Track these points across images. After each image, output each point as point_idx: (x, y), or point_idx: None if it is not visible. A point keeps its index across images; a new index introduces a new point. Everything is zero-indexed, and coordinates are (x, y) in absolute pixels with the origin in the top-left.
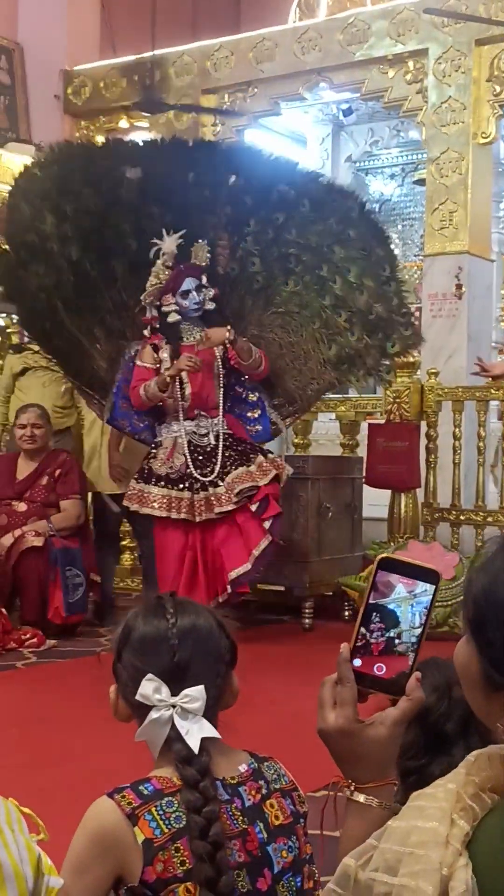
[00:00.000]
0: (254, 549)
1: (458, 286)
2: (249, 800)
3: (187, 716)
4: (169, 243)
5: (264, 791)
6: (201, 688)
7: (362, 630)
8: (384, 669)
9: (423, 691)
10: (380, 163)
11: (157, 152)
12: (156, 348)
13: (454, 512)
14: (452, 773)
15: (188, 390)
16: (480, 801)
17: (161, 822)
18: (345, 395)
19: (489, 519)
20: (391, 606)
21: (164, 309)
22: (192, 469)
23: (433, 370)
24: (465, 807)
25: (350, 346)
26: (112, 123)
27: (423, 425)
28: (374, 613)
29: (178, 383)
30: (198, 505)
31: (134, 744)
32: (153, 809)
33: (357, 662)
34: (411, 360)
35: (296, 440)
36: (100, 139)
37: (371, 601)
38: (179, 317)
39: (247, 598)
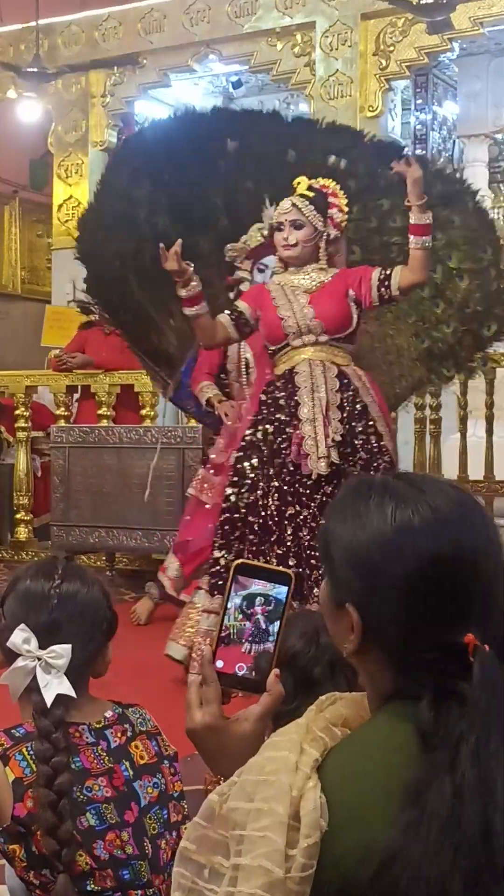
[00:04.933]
0: None
1: None
2: (115, 741)
3: (50, 670)
4: (270, 212)
5: (129, 734)
6: (68, 646)
7: (224, 624)
8: (245, 669)
9: (292, 639)
10: None
11: (255, 125)
12: None
13: None
14: (305, 712)
15: (253, 376)
16: (330, 733)
17: (31, 761)
18: None
19: None
20: (249, 602)
21: (238, 273)
22: None
23: None
24: (314, 737)
25: (444, 341)
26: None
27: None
28: (235, 609)
29: (244, 367)
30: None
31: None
32: (24, 750)
33: (220, 664)
34: None
35: None
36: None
37: (230, 598)
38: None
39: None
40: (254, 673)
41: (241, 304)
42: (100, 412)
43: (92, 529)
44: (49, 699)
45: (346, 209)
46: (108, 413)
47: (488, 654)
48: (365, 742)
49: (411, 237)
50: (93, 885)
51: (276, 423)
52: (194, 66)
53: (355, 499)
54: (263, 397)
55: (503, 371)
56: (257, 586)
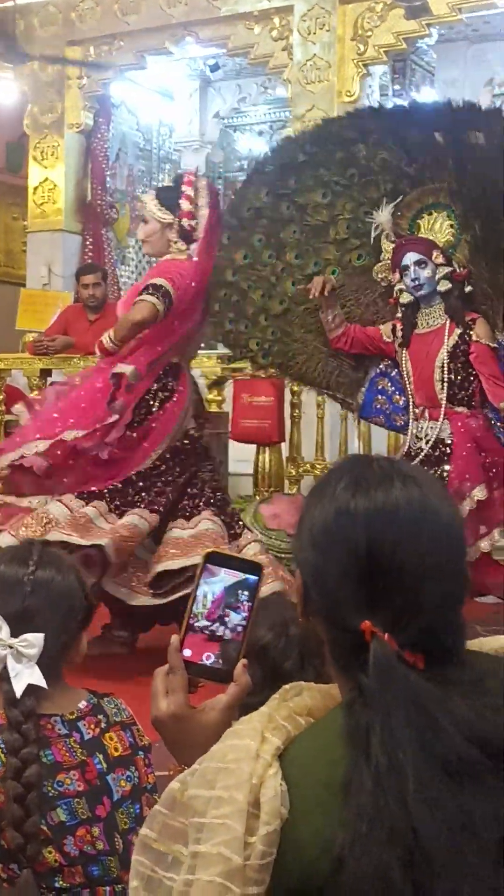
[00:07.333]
0: None
1: None
2: (89, 733)
3: (21, 659)
4: (383, 215)
5: (103, 725)
6: (41, 636)
7: (193, 612)
8: (212, 658)
9: (261, 630)
10: (248, 119)
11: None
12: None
13: (318, 466)
14: (268, 701)
15: (410, 383)
16: (294, 722)
17: (1, 754)
18: (211, 350)
19: None
20: (218, 590)
21: (396, 288)
22: None
23: None
24: (277, 726)
25: None
26: None
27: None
28: (204, 597)
29: (405, 372)
30: None
31: None
32: None
33: (187, 653)
34: None
35: None
36: None
37: (199, 586)
38: (411, 297)
39: None
40: (221, 662)
41: None
42: None
43: None
44: (19, 689)
45: None
46: None
47: (383, 642)
48: (328, 731)
49: None
50: (61, 882)
51: None
52: (171, 48)
53: (332, 473)
54: None
55: None
56: (227, 575)
